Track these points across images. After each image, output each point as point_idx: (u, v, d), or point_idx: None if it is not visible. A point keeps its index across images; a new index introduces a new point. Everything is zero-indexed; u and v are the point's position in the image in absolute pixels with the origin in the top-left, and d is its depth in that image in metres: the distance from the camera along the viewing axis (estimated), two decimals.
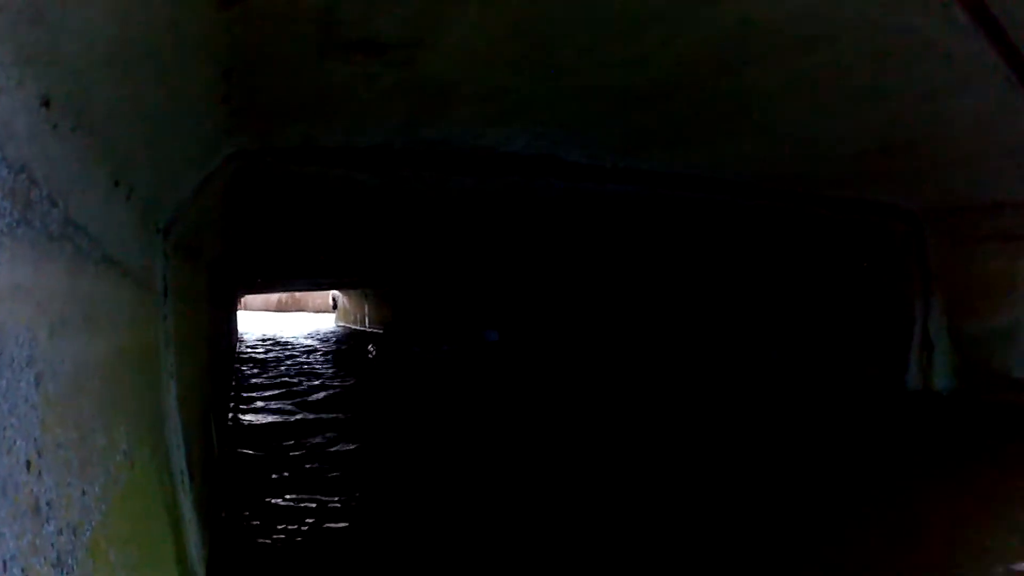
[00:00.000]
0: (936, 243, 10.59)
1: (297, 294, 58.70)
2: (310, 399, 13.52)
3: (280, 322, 47.62)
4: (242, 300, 42.51)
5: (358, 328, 40.91)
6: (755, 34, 3.90)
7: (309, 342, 29.27)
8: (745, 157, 7.13)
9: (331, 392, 14.38)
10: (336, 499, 7.00)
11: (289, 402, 12.93)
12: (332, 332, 39.02)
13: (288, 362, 20.84)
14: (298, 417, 11.74)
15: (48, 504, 1.68)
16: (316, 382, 15.96)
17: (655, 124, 5.81)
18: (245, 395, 14.15)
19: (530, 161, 6.57)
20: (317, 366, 19.69)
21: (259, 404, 12.92)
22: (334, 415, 11.66)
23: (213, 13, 2.61)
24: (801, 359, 12.69)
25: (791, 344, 12.95)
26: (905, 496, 6.62)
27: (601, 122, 5.73)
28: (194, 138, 3.74)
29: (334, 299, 48.28)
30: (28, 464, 1.57)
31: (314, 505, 6.83)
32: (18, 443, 1.53)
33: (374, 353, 23.12)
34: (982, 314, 10.06)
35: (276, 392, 14.37)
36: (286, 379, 16.58)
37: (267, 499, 6.99)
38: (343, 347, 26.73)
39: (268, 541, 5.95)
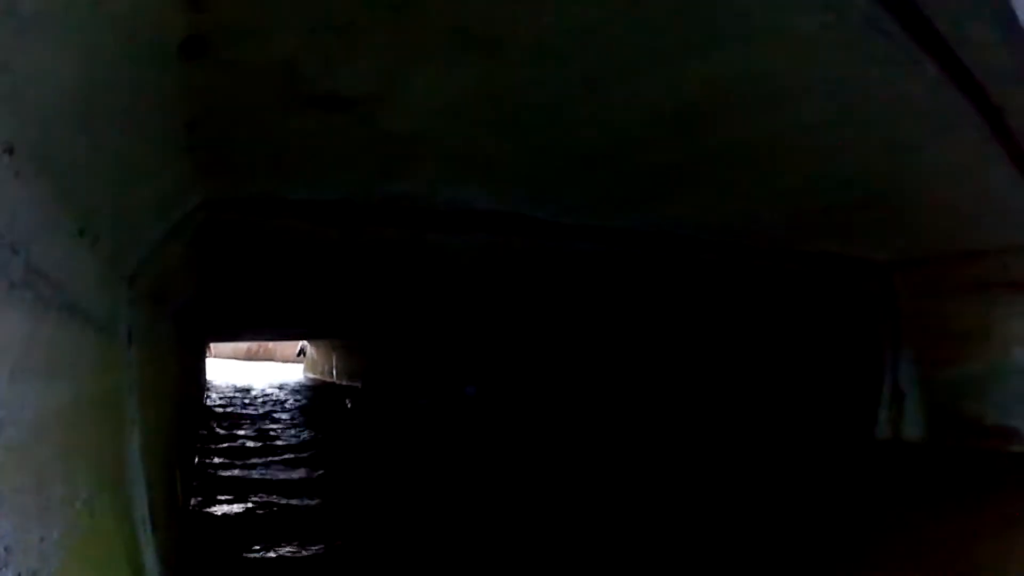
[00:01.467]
0: (907, 293, 10.59)
1: (266, 343, 58.03)
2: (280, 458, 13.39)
3: (248, 371, 47.02)
4: (211, 348, 42.04)
5: (326, 380, 40.39)
6: (720, 94, 3.96)
7: (279, 395, 28.80)
8: (709, 215, 7.16)
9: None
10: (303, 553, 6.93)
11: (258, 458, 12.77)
12: (299, 384, 38.53)
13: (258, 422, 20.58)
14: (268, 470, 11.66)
15: (6, 550, 1.68)
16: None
17: (621, 183, 5.85)
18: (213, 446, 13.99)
19: (495, 219, 6.59)
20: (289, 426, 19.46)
21: (227, 460, 12.76)
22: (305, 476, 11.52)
23: (177, 64, 2.66)
24: (769, 410, 12.70)
25: (759, 395, 12.99)
26: (871, 551, 6.61)
27: (566, 181, 5.77)
28: (160, 187, 3.77)
29: (302, 349, 47.82)
30: None
31: (280, 555, 6.76)
32: None
33: (350, 405, 22.78)
34: (955, 362, 9.98)
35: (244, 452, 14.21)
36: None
37: (233, 551, 6.92)
38: (311, 404, 26.30)
39: None
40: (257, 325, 24.52)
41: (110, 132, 2.45)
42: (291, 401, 26.14)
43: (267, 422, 18.46)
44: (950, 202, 7.13)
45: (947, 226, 8.35)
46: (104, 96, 2.20)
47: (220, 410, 21.14)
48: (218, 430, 16.02)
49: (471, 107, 3.89)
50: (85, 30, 1.84)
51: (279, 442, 14.37)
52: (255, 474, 11.00)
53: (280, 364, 55.99)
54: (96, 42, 1.93)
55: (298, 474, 10.79)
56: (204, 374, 26.97)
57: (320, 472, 11.02)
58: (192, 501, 8.28)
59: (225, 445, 13.77)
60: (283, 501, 8.88)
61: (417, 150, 4.61)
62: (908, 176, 6.11)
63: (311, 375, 45.09)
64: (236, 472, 11.17)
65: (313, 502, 8.96)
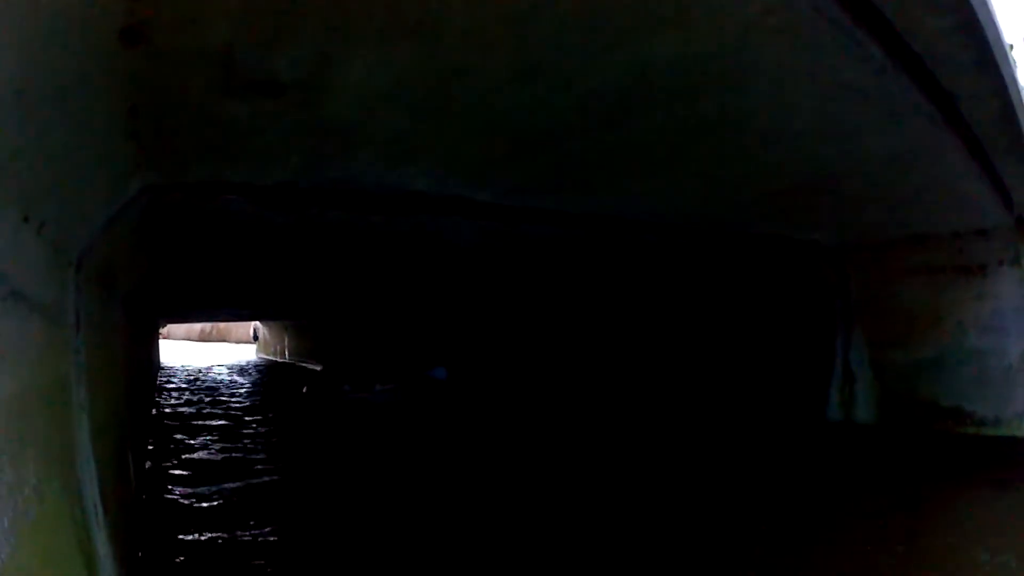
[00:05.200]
0: (858, 277, 10.72)
1: (220, 324, 57.56)
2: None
3: (202, 352, 46.48)
4: (165, 329, 41.60)
5: (278, 360, 40.20)
6: (657, 78, 4.00)
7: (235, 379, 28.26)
8: (654, 197, 7.23)
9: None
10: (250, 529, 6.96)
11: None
12: (252, 364, 38.15)
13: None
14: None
15: None
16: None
17: (560, 165, 5.90)
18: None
19: (437, 201, 6.63)
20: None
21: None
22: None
23: (118, 51, 2.66)
24: (724, 392, 12.91)
25: (715, 376, 13.19)
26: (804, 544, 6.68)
27: (505, 164, 5.82)
28: (104, 172, 3.75)
29: (255, 330, 47.66)
30: None
31: (232, 538, 6.77)
32: None
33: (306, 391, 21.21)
34: (907, 346, 10.12)
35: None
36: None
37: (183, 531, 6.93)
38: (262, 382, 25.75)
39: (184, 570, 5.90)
40: (210, 307, 24.28)
41: (53, 120, 2.44)
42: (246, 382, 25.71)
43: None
44: (900, 187, 7.18)
45: (897, 210, 8.41)
46: (45, 85, 2.20)
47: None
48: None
49: (407, 92, 3.93)
50: (25, 20, 1.85)
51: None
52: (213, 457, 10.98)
53: (234, 345, 55.63)
54: (37, 33, 1.94)
55: (252, 466, 10.68)
56: (157, 357, 26.52)
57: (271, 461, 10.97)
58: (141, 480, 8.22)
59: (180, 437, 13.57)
60: (237, 484, 8.90)
61: (356, 134, 4.66)
62: (855, 161, 6.15)
63: (264, 355, 44.99)
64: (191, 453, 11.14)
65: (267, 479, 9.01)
